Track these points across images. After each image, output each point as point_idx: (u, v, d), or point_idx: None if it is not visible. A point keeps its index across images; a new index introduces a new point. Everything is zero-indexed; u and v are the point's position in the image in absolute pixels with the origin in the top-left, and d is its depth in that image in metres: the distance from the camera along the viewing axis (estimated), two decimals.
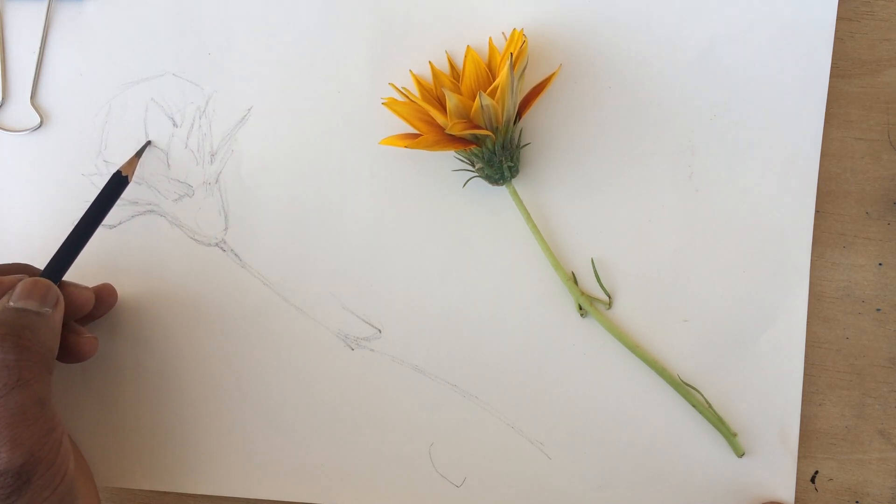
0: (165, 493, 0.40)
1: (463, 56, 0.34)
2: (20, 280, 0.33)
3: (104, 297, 0.37)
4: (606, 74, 0.36)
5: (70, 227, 0.37)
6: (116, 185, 0.36)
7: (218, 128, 0.38)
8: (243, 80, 0.38)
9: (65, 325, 0.36)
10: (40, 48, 0.39)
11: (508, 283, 0.37)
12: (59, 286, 0.34)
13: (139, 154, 0.38)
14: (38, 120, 0.39)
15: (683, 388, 0.36)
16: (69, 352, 0.35)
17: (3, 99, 0.39)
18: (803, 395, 0.36)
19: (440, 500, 0.38)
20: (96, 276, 0.38)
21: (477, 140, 0.34)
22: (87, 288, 0.36)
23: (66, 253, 0.35)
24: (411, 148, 0.34)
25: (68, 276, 0.35)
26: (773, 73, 0.35)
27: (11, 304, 0.32)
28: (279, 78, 0.38)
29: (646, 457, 0.37)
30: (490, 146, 0.34)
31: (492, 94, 0.32)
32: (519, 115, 0.35)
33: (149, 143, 0.38)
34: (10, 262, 0.36)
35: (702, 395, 0.36)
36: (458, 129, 0.33)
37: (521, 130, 0.36)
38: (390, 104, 0.34)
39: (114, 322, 0.39)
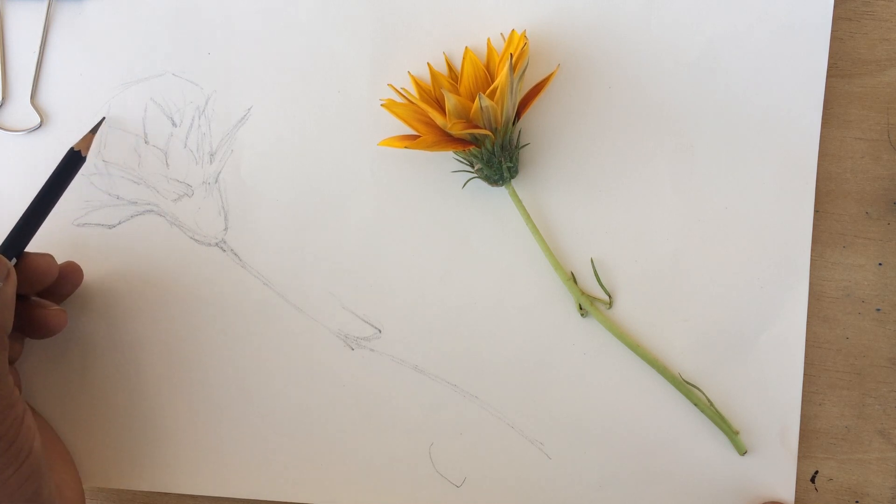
0: (165, 493, 0.40)
1: (461, 57, 0.34)
2: None
3: (68, 275, 0.37)
4: (606, 74, 0.36)
5: (70, 226, 0.37)
6: (71, 161, 0.36)
7: (217, 127, 0.38)
8: (243, 79, 0.38)
9: (30, 300, 0.35)
10: (40, 48, 0.39)
11: (508, 283, 0.37)
12: (18, 260, 0.34)
13: (94, 131, 0.37)
14: (38, 120, 0.39)
15: (685, 387, 0.36)
16: (37, 326, 0.35)
17: (3, 99, 0.39)
18: (803, 395, 0.36)
19: (440, 500, 0.38)
20: (95, 276, 0.38)
21: (476, 140, 0.34)
22: (48, 255, 0.35)
23: (20, 229, 0.34)
24: (410, 148, 0.34)
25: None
26: (772, 74, 0.35)
27: None
28: (279, 78, 0.38)
29: (646, 456, 0.37)
30: (489, 147, 0.34)
31: (491, 95, 0.32)
32: (518, 115, 0.35)
33: (104, 119, 0.38)
34: None
35: (703, 394, 0.36)
36: (457, 129, 0.33)
37: (520, 131, 0.36)
38: (389, 105, 0.34)
39: (113, 322, 0.39)
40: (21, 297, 0.34)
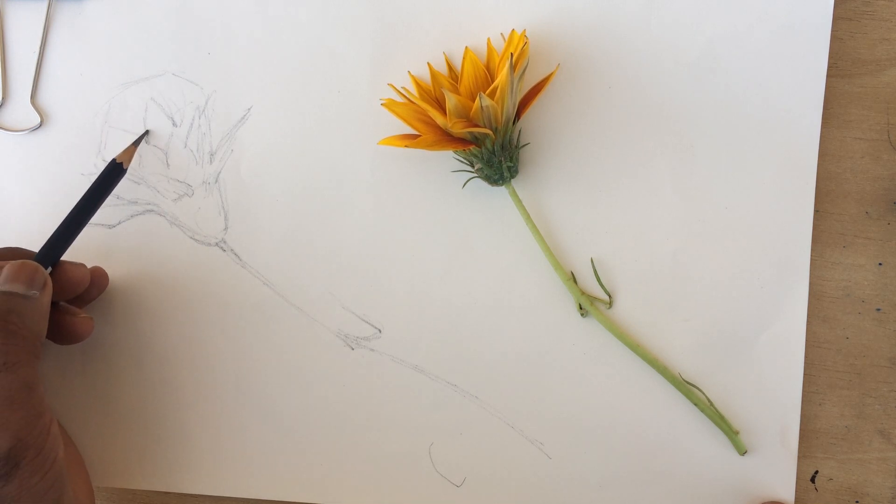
0: (166, 493, 0.40)
1: (461, 57, 0.34)
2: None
3: (95, 280, 0.37)
4: (606, 74, 0.36)
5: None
6: (113, 173, 0.36)
7: (217, 127, 0.38)
8: (243, 79, 0.38)
9: (60, 306, 0.36)
10: (40, 48, 0.39)
11: (508, 283, 0.37)
12: (53, 267, 0.34)
13: (137, 143, 0.38)
14: (38, 120, 0.39)
15: (685, 387, 0.36)
16: (65, 333, 0.35)
17: (3, 99, 0.39)
18: (803, 395, 0.36)
19: (440, 500, 0.38)
20: None
21: (476, 140, 0.34)
22: (82, 265, 0.36)
23: (59, 238, 0.35)
24: (410, 147, 0.34)
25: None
26: (772, 74, 0.35)
27: None
28: (279, 77, 0.38)
29: (646, 456, 0.37)
30: (489, 146, 0.34)
31: (491, 95, 0.32)
32: (518, 115, 0.35)
33: (147, 132, 0.38)
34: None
35: (703, 394, 0.36)
36: (457, 129, 0.33)
37: (520, 131, 0.36)
38: (389, 105, 0.34)
39: (113, 322, 0.39)
40: (51, 304, 0.34)
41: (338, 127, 0.37)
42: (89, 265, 0.38)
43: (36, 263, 0.33)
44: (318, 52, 0.37)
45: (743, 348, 0.36)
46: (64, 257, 0.35)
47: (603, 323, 0.36)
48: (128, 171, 0.38)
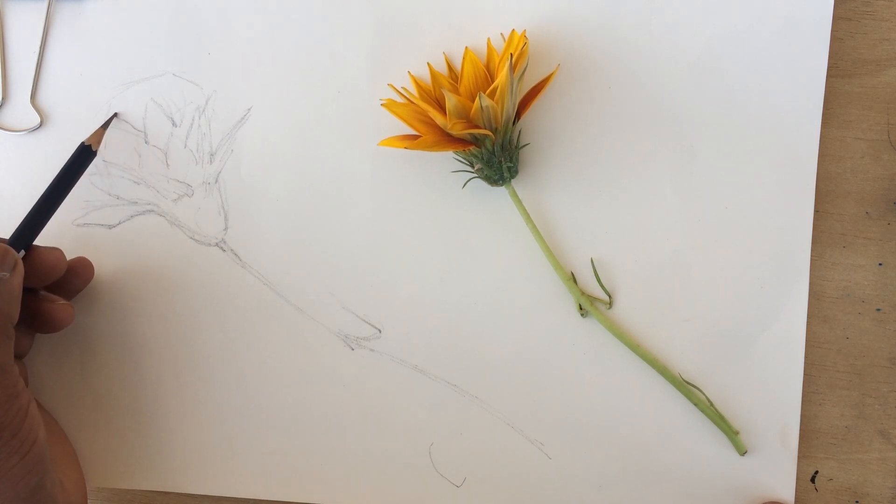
0: (165, 493, 0.40)
1: (461, 57, 0.34)
2: None
3: (79, 270, 0.37)
4: (606, 74, 0.36)
5: (70, 226, 0.37)
6: (82, 156, 0.36)
7: (217, 127, 0.38)
8: (243, 79, 0.38)
9: (37, 294, 0.36)
10: (40, 48, 0.39)
11: (508, 283, 0.37)
12: (26, 253, 0.34)
13: (105, 126, 0.38)
14: (38, 120, 0.39)
15: (685, 387, 0.36)
16: (45, 320, 0.35)
17: (3, 99, 0.39)
18: (803, 395, 0.36)
19: (440, 500, 0.38)
20: (95, 276, 0.38)
21: (476, 140, 0.34)
22: (56, 249, 0.35)
23: (29, 222, 0.35)
24: (410, 148, 0.34)
25: None
26: (772, 74, 0.35)
27: None
28: (279, 78, 0.38)
29: (646, 456, 0.37)
30: (489, 147, 0.34)
31: (491, 95, 0.32)
32: (518, 115, 0.35)
33: (116, 114, 0.38)
34: None
35: (703, 394, 0.36)
36: (457, 129, 0.33)
37: (520, 131, 0.36)
38: (389, 105, 0.34)
39: (112, 323, 0.39)
40: (30, 291, 0.34)
41: (338, 127, 0.37)
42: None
43: (5, 245, 0.32)
44: (318, 52, 0.37)
45: (743, 348, 0.36)
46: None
47: (603, 323, 0.36)
48: (128, 171, 0.38)
